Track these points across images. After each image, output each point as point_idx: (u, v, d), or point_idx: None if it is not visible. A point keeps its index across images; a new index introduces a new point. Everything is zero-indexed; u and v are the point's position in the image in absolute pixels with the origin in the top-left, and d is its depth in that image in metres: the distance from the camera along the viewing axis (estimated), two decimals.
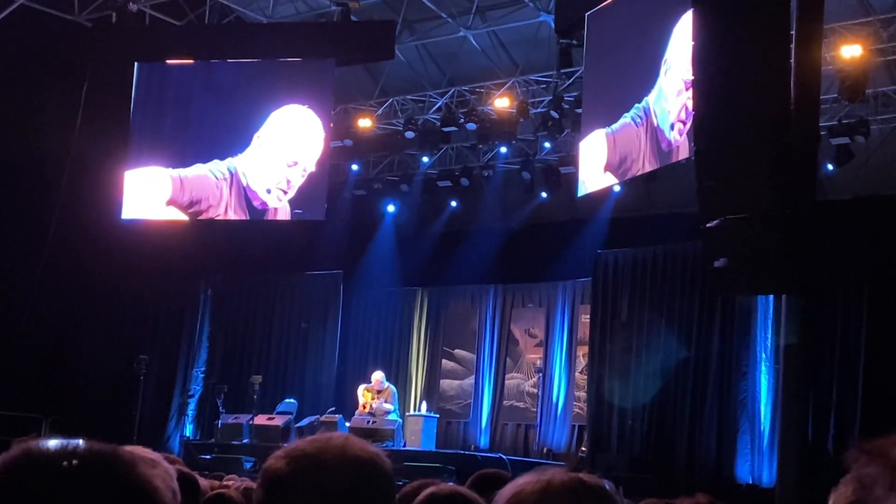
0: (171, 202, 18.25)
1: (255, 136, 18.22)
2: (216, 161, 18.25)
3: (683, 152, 14.37)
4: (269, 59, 18.42)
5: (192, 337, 21.74)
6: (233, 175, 18.18)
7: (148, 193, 18.31)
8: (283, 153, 18.10)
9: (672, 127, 14.68)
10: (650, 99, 15.17)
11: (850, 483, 1.19)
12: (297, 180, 17.97)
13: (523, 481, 1.90)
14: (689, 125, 14.16)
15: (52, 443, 1.46)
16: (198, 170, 18.29)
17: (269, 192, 18.05)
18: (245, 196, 18.11)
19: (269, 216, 18.09)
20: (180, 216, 18.31)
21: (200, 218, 18.29)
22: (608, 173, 16.03)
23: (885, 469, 0.99)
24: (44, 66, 17.66)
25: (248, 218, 18.14)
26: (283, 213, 18.01)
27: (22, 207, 18.57)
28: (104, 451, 1.47)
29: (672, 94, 14.75)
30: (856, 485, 1.02)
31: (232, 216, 18.14)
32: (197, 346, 21.71)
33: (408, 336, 21.57)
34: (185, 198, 18.23)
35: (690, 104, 14.01)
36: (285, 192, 17.98)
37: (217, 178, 18.21)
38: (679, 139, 14.57)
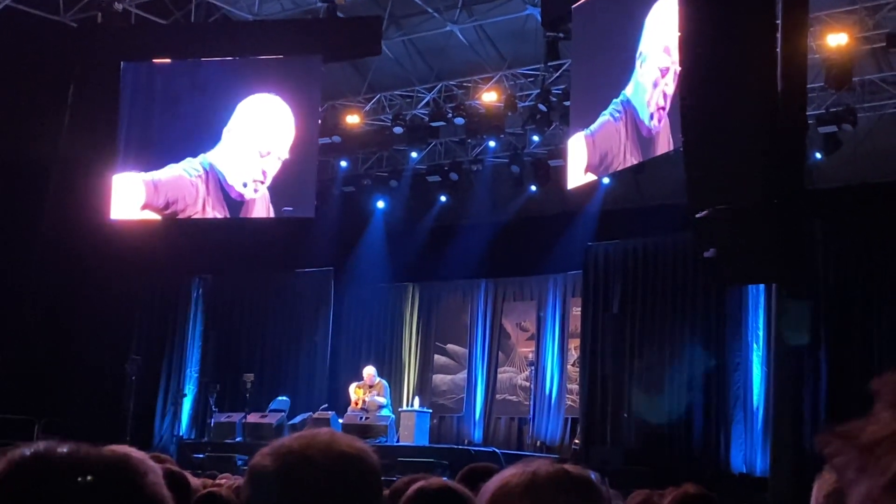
0: (145, 206, 18.25)
1: (225, 129, 18.23)
2: (189, 159, 18.25)
3: (664, 137, 14.42)
4: (256, 57, 18.39)
5: (184, 336, 21.74)
6: (207, 172, 18.18)
7: (123, 199, 18.31)
8: (255, 144, 18.14)
9: (651, 116, 14.72)
10: (628, 92, 15.24)
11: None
12: (273, 169, 18.00)
13: (509, 473, 1.89)
14: (668, 109, 14.24)
15: (62, 448, 1.45)
16: (171, 171, 18.28)
17: (245, 185, 18.08)
18: (222, 189, 18.12)
19: (248, 207, 18.07)
20: (157, 219, 18.37)
21: (178, 218, 18.30)
22: (589, 174, 16.15)
23: (855, 452, 0.99)
24: (30, 67, 17.61)
25: (227, 211, 18.12)
26: (262, 203, 18.01)
27: (10, 209, 18.52)
28: (115, 458, 1.46)
29: (649, 85, 14.81)
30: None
31: (210, 213, 18.12)
32: (189, 345, 21.71)
33: (399, 332, 21.56)
34: (159, 201, 18.23)
35: (669, 89, 14.13)
36: (262, 183, 18.01)
37: (192, 177, 18.21)
38: (658, 126, 14.61)
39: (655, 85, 14.64)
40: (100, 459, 1.44)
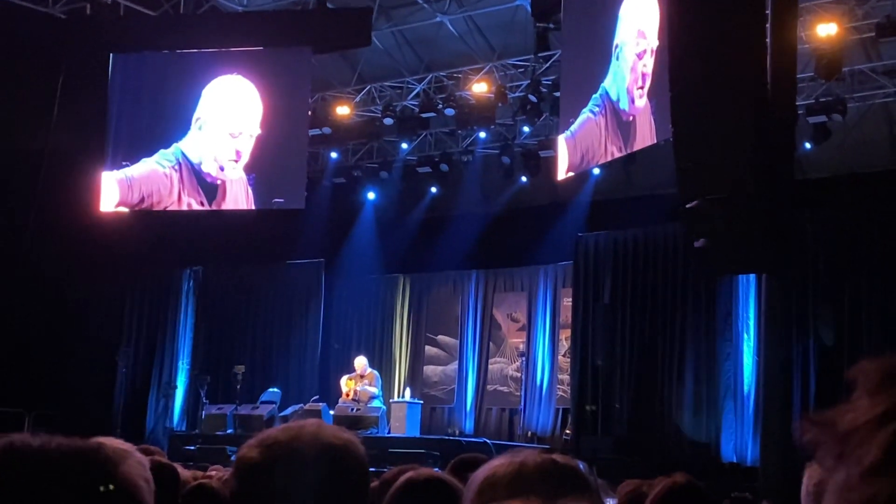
0: (120, 204, 18.32)
1: (194, 115, 18.30)
2: (161, 151, 18.30)
3: (644, 120, 14.45)
4: (245, 49, 18.37)
5: (175, 328, 21.71)
6: (180, 161, 18.24)
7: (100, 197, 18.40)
8: (225, 126, 18.30)
9: (632, 100, 14.78)
10: (606, 84, 15.32)
11: None
12: (246, 147, 18.08)
13: (497, 463, 1.89)
14: (648, 88, 14.32)
15: (35, 438, 1.44)
16: (144, 165, 18.34)
17: (222, 169, 18.16)
18: (196, 176, 18.19)
19: (224, 192, 18.12)
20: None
21: (155, 210, 18.38)
22: (570, 173, 16.26)
23: (834, 439, 0.99)
24: (18, 59, 17.55)
25: (203, 198, 18.17)
26: (240, 186, 18.07)
27: None
28: (87, 448, 1.45)
29: (628, 72, 14.88)
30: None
31: (186, 202, 18.17)
32: (180, 337, 21.69)
33: (390, 323, 21.57)
34: (134, 197, 18.31)
35: (648, 69, 14.22)
36: (237, 161, 18.08)
37: (164, 168, 18.28)
38: (638, 108, 14.65)
39: (633, 70, 14.72)
40: (70, 450, 1.42)
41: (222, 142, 18.21)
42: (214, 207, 18.32)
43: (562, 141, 16.21)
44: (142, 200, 18.30)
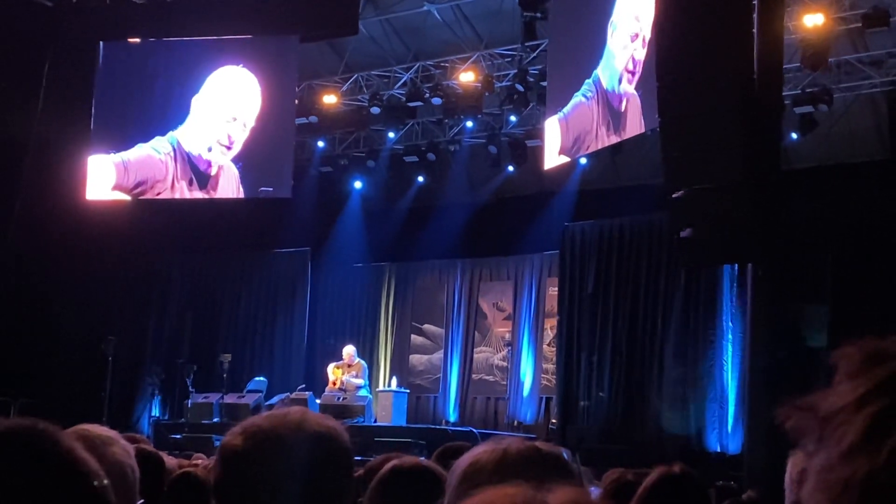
0: (116, 188, 18.35)
1: (193, 99, 18.35)
2: (157, 138, 18.32)
3: (634, 108, 14.47)
4: (233, 37, 18.34)
5: (161, 317, 21.69)
6: (175, 149, 18.30)
7: (94, 180, 18.36)
8: (221, 110, 18.37)
9: (620, 80, 14.81)
10: (599, 70, 15.33)
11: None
12: (239, 135, 18.14)
13: (480, 450, 1.90)
14: (637, 75, 14.36)
15: None
16: (140, 150, 18.37)
17: (210, 150, 18.20)
18: (189, 162, 18.24)
19: (216, 181, 18.12)
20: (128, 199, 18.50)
21: (146, 198, 18.38)
22: (563, 156, 16.26)
23: (815, 423, 1.00)
24: (4, 47, 17.47)
25: (196, 186, 18.18)
26: (229, 172, 18.13)
27: None
28: (24, 424, 1.41)
29: (619, 49, 14.92)
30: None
31: (179, 190, 18.21)
32: (166, 325, 21.66)
33: (376, 312, 21.57)
34: (129, 181, 18.34)
35: (638, 54, 14.28)
36: (228, 148, 18.12)
37: (160, 155, 18.31)
38: (627, 91, 14.66)
39: (626, 49, 14.75)
40: (6, 425, 1.39)
41: (217, 124, 18.27)
42: (206, 196, 18.32)
43: (553, 122, 16.16)
44: (137, 185, 18.32)
